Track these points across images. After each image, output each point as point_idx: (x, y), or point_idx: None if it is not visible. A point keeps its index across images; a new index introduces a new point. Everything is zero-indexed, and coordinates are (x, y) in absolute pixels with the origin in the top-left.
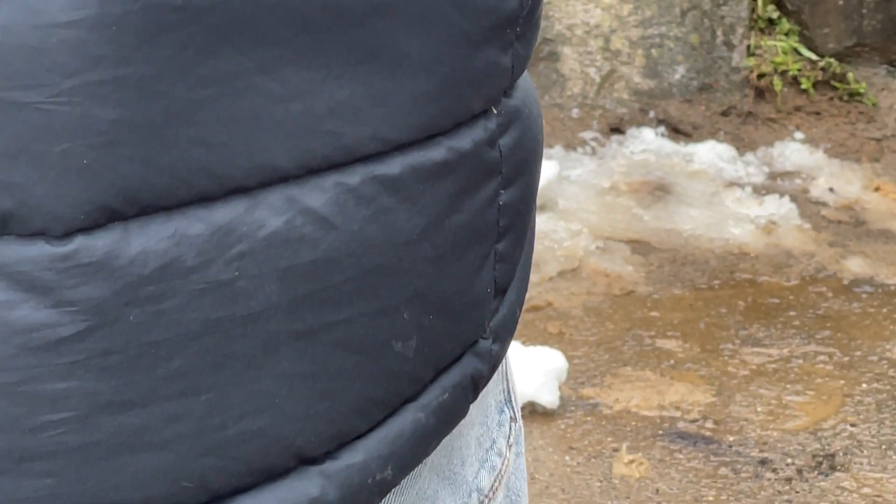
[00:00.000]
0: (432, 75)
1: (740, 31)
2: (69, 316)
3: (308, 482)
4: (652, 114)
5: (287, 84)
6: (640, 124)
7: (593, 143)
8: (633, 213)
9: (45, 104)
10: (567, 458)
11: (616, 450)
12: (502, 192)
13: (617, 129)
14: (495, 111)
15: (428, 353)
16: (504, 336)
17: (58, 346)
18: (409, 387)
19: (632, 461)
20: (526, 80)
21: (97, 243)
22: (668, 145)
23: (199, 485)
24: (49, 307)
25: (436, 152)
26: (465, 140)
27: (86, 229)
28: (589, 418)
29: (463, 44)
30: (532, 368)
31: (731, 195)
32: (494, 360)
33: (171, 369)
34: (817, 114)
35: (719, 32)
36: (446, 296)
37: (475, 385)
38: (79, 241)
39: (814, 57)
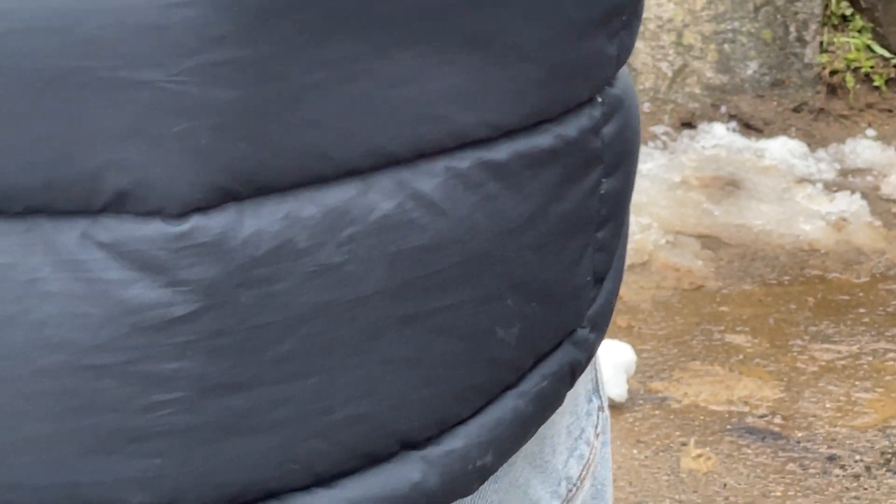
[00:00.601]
0: (542, 62)
1: (813, 27)
2: (182, 296)
3: (410, 467)
4: (723, 109)
5: (401, 68)
6: (711, 119)
7: (664, 138)
8: (703, 208)
9: (164, 83)
10: (635, 451)
11: (684, 444)
12: (604, 181)
13: (688, 124)
14: (600, 100)
15: (529, 340)
16: (601, 325)
17: (170, 326)
18: (509, 374)
19: (699, 455)
20: (624, 72)
21: (212, 223)
22: (740, 141)
23: (303, 468)
24: (162, 287)
25: (543, 139)
26: (570, 128)
27: (202, 209)
28: (657, 412)
29: (573, 32)
30: (601, 361)
31: (802, 191)
32: (591, 350)
33: (279, 352)
34: (889, 111)
35: (792, 28)
36: (548, 284)
37: (572, 374)
38: (194, 221)
39: (886, 54)
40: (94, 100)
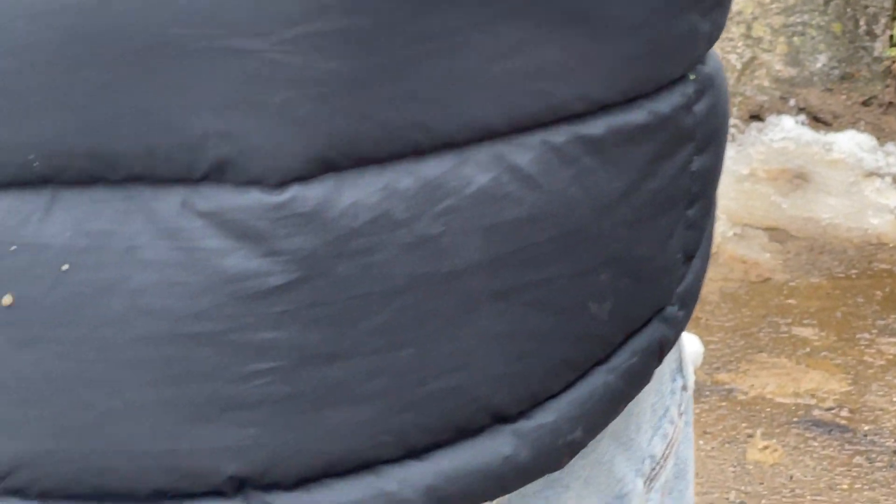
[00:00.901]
0: (638, 38)
1: (883, 20)
2: (280, 265)
3: (502, 440)
4: (792, 102)
5: (501, 42)
6: (780, 112)
7: (732, 130)
8: (771, 201)
9: (267, 52)
10: (701, 442)
11: (750, 436)
12: (695, 158)
13: (756, 117)
14: (692, 77)
15: (620, 316)
16: (689, 303)
17: (267, 295)
18: (600, 349)
19: (766, 447)
20: (714, 51)
21: (311, 194)
22: (808, 134)
23: (396, 439)
24: (260, 256)
25: (637, 115)
26: (664, 104)
27: (301, 179)
28: (724, 403)
29: (668, 8)
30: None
31: (871, 185)
32: (679, 327)
33: (375, 323)
34: None
35: (862, 21)
36: (640, 260)
37: (661, 350)
38: (293, 191)
39: None
40: (196, 69)
